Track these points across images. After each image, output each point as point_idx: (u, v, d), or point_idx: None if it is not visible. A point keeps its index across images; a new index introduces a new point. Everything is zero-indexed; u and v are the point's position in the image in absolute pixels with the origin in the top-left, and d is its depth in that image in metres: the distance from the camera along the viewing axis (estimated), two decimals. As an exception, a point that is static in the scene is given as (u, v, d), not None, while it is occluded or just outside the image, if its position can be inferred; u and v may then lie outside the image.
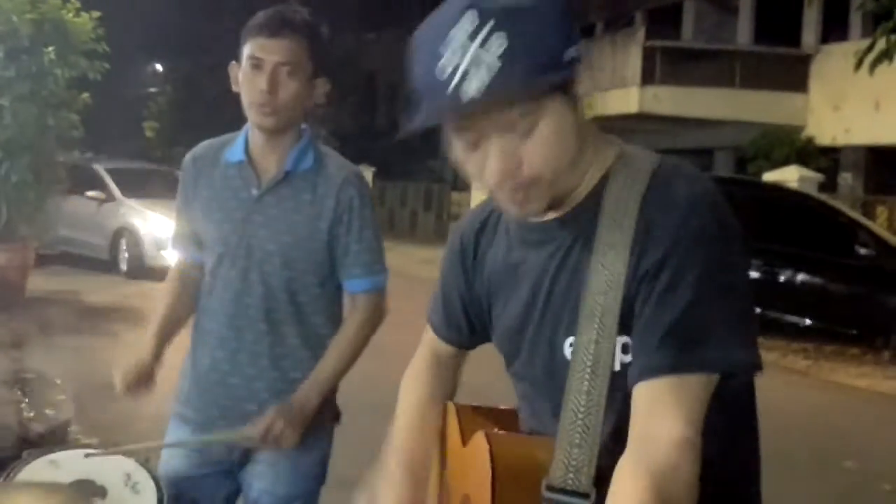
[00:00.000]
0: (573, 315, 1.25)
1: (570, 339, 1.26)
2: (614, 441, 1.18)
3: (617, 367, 1.21)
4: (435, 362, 1.58)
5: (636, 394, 1.17)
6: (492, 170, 1.21)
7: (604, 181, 1.27)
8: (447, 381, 1.58)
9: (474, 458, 1.31)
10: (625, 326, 1.20)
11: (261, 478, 2.26)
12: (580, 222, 1.27)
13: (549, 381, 1.31)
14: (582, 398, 1.19)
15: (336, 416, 2.35)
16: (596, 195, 1.26)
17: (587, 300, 1.21)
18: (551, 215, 1.30)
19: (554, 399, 1.29)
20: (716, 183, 1.25)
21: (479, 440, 1.30)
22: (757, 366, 1.20)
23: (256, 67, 2.13)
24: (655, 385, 1.15)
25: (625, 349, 1.21)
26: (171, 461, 2.31)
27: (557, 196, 1.26)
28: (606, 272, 1.20)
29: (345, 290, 2.29)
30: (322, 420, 2.25)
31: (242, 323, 2.23)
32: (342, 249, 2.22)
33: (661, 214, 1.19)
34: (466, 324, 1.51)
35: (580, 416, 1.18)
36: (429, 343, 1.59)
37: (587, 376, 1.19)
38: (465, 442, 1.41)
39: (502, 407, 1.52)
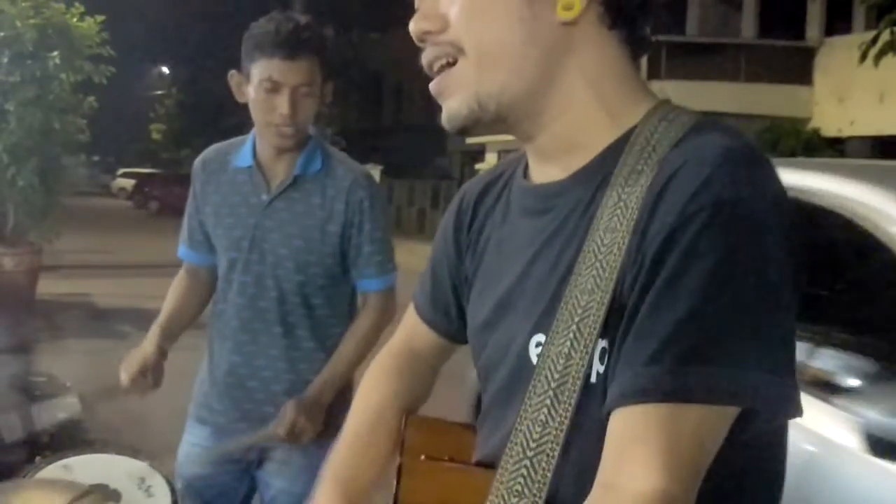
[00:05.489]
0: (547, 307, 0.95)
1: (538, 338, 0.96)
2: (575, 488, 0.87)
3: (592, 380, 0.89)
4: (407, 358, 1.30)
5: (612, 422, 0.84)
6: (412, 24, 1.01)
7: (625, 139, 0.95)
8: (418, 380, 1.30)
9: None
10: (607, 328, 0.88)
11: (278, 477, 2.27)
12: (582, 189, 0.97)
13: (512, 386, 1.00)
14: (536, 430, 0.87)
15: None
16: (608, 157, 0.96)
17: (567, 297, 0.90)
18: (557, 177, 1.01)
19: (516, 411, 0.94)
20: None
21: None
22: (791, 401, 0.84)
23: (274, 91, 2.10)
24: (638, 413, 0.82)
25: (602, 355, 0.89)
26: (188, 461, 2.32)
27: (503, 113, 0.99)
28: (598, 264, 0.88)
29: (357, 289, 2.31)
30: (340, 420, 2.26)
31: (258, 327, 2.24)
32: (354, 250, 2.23)
33: (674, 180, 0.86)
34: (455, 307, 1.22)
35: (529, 453, 0.86)
36: (407, 330, 1.31)
37: (548, 401, 0.87)
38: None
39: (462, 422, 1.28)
